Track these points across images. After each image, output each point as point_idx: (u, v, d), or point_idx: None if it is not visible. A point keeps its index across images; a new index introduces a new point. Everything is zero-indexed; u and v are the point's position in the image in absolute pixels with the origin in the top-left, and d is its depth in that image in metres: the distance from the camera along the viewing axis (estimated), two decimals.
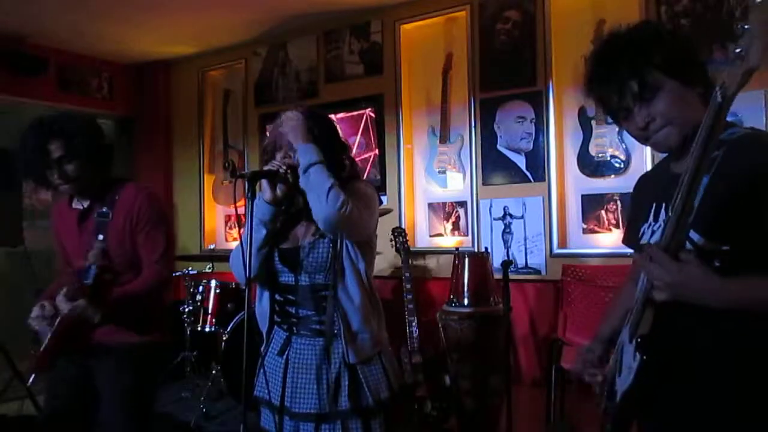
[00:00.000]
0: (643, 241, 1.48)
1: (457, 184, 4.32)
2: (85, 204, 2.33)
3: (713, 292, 1.20)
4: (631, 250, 1.61)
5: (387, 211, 4.21)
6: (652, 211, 1.47)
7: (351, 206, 1.77)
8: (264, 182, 1.83)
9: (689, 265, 1.20)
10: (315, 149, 1.82)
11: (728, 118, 1.42)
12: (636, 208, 1.61)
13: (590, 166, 3.82)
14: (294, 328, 1.93)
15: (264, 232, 1.87)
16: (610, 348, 1.53)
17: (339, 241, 1.86)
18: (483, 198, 4.15)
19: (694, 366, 1.31)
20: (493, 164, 4.12)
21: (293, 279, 1.91)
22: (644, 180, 1.67)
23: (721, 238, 1.25)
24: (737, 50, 1.06)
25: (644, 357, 1.28)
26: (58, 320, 2.18)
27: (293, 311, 1.93)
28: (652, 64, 1.32)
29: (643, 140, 1.41)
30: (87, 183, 2.30)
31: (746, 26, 1.05)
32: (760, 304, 1.21)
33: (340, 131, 2.00)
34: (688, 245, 1.25)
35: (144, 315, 2.31)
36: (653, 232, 1.44)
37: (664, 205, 1.43)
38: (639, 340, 1.31)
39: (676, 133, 1.34)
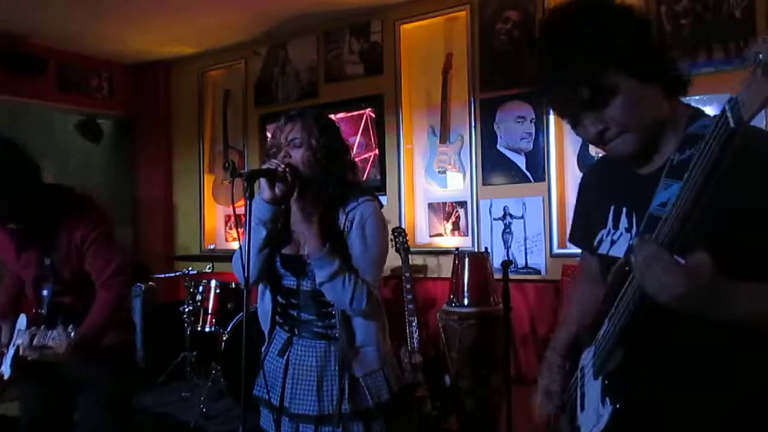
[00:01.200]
0: (602, 250, 1.30)
1: (457, 184, 4.31)
2: (20, 226, 2.19)
3: (724, 304, 0.99)
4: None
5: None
6: (611, 215, 1.28)
7: (370, 288, 1.83)
8: (263, 181, 1.83)
9: (703, 271, 0.95)
10: (327, 258, 1.78)
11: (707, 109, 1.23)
12: (587, 206, 1.42)
13: None
14: (296, 329, 1.93)
15: (264, 232, 1.86)
16: (569, 362, 1.40)
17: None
18: (483, 198, 4.15)
19: (669, 413, 1.16)
20: (493, 164, 4.11)
21: (295, 283, 1.91)
22: (598, 171, 1.43)
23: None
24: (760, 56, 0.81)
25: (617, 406, 1.13)
26: (15, 353, 2.15)
27: (295, 314, 1.93)
28: (605, 62, 1.10)
29: (599, 147, 1.22)
30: (15, 218, 2.15)
31: None
32: None
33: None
34: None
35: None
36: (613, 242, 1.27)
37: (624, 210, 1.25)
38: (607, 382, 1.17)
39: (635, 140, 1.15)
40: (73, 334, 1.97)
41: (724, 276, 0.97)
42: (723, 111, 0.88)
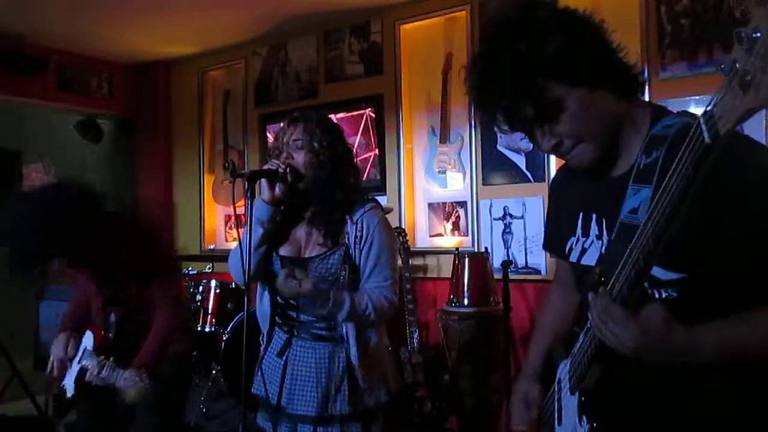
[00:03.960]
0: (573, 258, 1.26)
1: (457, 184, 4.31)
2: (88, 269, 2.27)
3: (685, 351, 0.98)
4: None
5: (387, 210, 4.20)
6: (580, 222, 1.24)
7: (376, 296, 1.86)
8: (263, 182, 1.83)
9: (655, 323, 0.95)
10: (332, 303, 1.80)
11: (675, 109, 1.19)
12: (557, 212, 1.37)
13: None
14: (295, 330, 1.93)
15: (261, 231, 1.87)
16: (545, 373, 1.36)
17: (352, 259, 1.87)
18: (483, 198, 4.15)
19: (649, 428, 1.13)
20: (493, 164, 4.11)
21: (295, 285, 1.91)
22: (565, 176, 1.37)
23: (678, 265, 1.02)
24: (745, 75, 0.72)
25: (594, 425, 1.10)
26: (79, 373, 2.19)
27: (294, 315, 1.93)
28: (547, 76, 1.03)
29: (558, 157, 1.17)
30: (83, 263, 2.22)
31: (756, 33, 0.71)
32: (746, 350, 0.99)
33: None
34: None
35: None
36: (584, 250, 1.22)
37: (594, 216, 1.20)
38: (583, 398, 1.14)
39: (592, 149, 1.11)
40: (146, 380, 2.03)
41: (685, 321, 0.95)
42: (697, 125, 0.81)
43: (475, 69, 1.13)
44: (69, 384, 2.25)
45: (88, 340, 2.26)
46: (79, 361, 2.23)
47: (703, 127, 0.80)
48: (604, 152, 1.13)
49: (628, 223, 1.06)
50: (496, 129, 1.16)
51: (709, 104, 0.80)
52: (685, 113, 1.15)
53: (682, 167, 0.85)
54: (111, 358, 2.11)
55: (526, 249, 3.99)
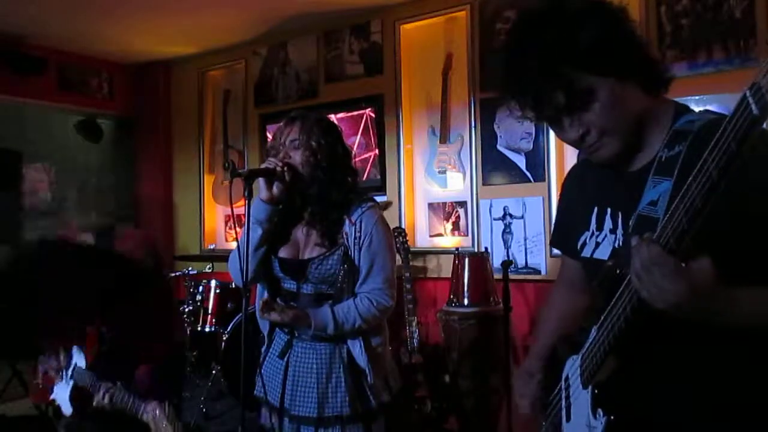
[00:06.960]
0: (586, 253, 1.24)
1: (457, 184, 4.31)
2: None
3: (728, 311, 0.96)
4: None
5: (386, 205, 4.22)
6: (594, 216, 1.23)
7: (373, 298, 1.85)
8: (261, 181, 1.83)
9: (705, 279, 0.91)
10: (320, 326, 1.81)
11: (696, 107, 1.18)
12: (570, 208, 1.36)
13: None
14: (295, 332, 1.93)
15: (259, 231, 1.86)
16: (549, 368, 1.35)
17: (351, 259, 1.86)
18: (483, 198, 4.14)
19: (665, 424, 1.12)
20: (493, 164, 4.11)
21: (295, 286, 1.91)
22: (579, 172, 1.37)
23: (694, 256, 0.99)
24: None
25: (611, 417, 1.09)
26: (72, 390, 2.16)
27: None
28: (580, 66, 1.04)
29: (580, 149, 1.18)
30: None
31: None
32: None
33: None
34: None
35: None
36: (597, 244, 1.21)
37: (609, 210, 1.20)
38: (597, 392, 1.13)
39: (617, 143, 1.10)
40: (173, 414, 1.94)
41: (724, 281, 0.92)
42: (744, 98, 0.80)
43: (505, 57, 1.12)
44: (63, 400, 2.20)
45: (79, 358, 2.21)
46: (71, 377, 2.18)
47: (750, 99, 0.78)
48: (627, 146, 1.12)
49: (647, 216, 1.06)
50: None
51: (757, 77, 0.79)
52: (709, 111, 1.14)
53: (724, 142, 0.83)
54: (118, 384, 2.02)
55: (526, 249, 3.99)
